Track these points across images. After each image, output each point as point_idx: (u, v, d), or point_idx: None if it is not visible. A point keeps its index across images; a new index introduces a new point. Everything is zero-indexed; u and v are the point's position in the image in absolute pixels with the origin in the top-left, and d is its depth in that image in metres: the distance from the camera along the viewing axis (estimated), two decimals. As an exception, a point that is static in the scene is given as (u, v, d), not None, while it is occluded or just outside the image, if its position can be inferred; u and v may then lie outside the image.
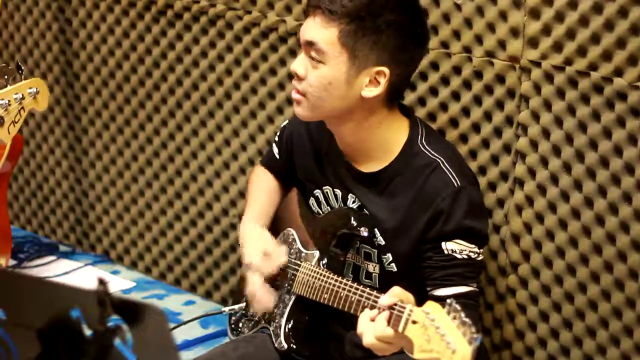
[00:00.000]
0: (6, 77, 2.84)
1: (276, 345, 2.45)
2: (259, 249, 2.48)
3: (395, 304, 2.00)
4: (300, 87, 2.37)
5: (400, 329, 1.97)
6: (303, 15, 2.45)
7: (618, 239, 2.50)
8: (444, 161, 2.36)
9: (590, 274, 2.56)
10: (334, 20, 2.30)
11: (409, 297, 2.06)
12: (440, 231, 2.33)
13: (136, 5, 3.38)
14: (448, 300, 1.85)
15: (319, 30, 2.32)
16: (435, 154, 2.37)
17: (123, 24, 3.42)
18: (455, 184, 2.34)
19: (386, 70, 2.33)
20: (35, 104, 2.92)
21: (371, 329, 2.04)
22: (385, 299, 2.04)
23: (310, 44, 2.33)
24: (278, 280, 2.50)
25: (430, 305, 1.91)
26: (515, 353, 2.73)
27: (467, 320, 1.82)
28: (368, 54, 2.31)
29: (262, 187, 2.67)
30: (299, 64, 2.37)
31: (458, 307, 1.83)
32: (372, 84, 2.34)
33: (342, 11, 2.29)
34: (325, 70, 2.33)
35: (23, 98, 2.87)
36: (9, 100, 2.83)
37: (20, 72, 2.86)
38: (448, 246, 2.33)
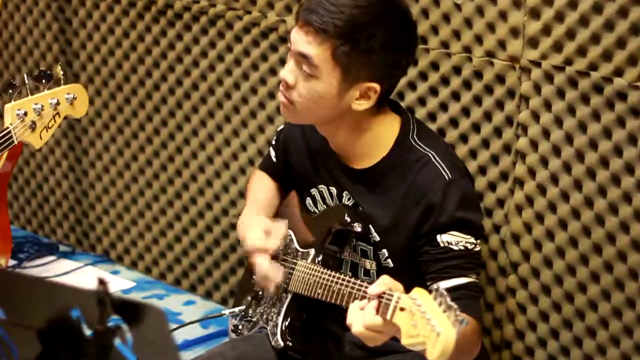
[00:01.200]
0: (43, 81, 2.82)
1: (273, 343, 2.46)
2: (260, 230, 2.48)
3: (384, 293, 2.01)
4: (288, 95, 2.36)
5: (388, 316, 1.98)
6: (294, 20, 2.40)
7: (618, 239, 2.50)
8: (434, 155, 2.37)
9: (590, 274, 2.56)
10: (327, 38, 2.29)
11: (397, 285, 2.05)
12: (433, 224, 2.33)
13: (136, 5, 3.38)
14: (434, 286, 1.85)
15: (311, 46, 2.30)
16: (427, 148, 2.38)
17: (123, 24, 3.43)
18: (447, 177, 2.34)
19: (377, 86, 2.33)
20: (72, 110, 2.89)
21: (360, 318, 2.04)
22: (374, 288, 2.04)
23: (302, 56, 2.32)
24: (284, 255, 2.50)
25: (417, 291, 1.92)
26: (515, 353, 2.73)
27: (452, 304, 1.82)
28: (361, 71, 2.31)
29: (261, 189, 2.68)
30: (289, 72, 2.35)
31: (444, 292, 1.84)
32: (363, 98, 2.34)
33: (336, 31, 2.27)
34: (316, 84, 2.32)
35: (58, 103, 2.84)
36: (42, 105, 2.81)
37: (62, 76, 2.84)
38: (443, 238, 2.33)
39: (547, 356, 2.68)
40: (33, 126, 2.80)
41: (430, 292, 1.88)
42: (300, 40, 2.32)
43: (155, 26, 3.35)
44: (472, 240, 2.36)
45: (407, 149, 2.39)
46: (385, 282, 2.06)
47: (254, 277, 2.59)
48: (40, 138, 2.83)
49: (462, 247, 2.34)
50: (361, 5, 2.28)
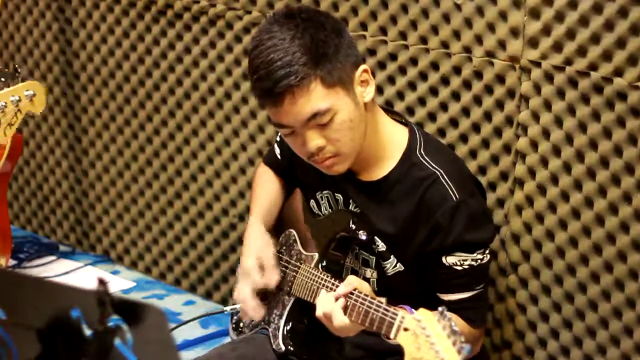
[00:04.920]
0: (3, 79, 2.86)
1: (274, 346, 2.45)
2: (257, 258, 2.48)
3: (352, 293, 2.15)
4: (332, 152, 2.31)
5: (392, 335, 2.01)
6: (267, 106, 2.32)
7: (618, 239, 2.50)
8: (442, 174, 2.34)
9: (590, 274, 2.56)
10: (310, 80, 2.24)
11: (363, 285, 2.22)
12: (439, 246, 2.33)
13: (136, 5, 3.38)
14: (440, 309, 1.86)
15: (309, 99, 2.25)
16: (435, 166, 2.35)
17: (123, 24, 3.43)
18: (454, 198, 2.32)
19: (362, 66, 2.33)
20: (31, 106, 2.93)
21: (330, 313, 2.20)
22: (341, 288, 2.19)
23: (313, 116, 2.26)
24: (287, 257, 2.51)
25: (422, 312, 1.92)
26: (515, 353, 2.74)
27: (456, 329, 1.84)
28: (344, 70, 2.29)
29: (266, 186, 2.67)
30: (312, 141, 2.28)
31: (449, 315, 1.85)
32: (365, 85, 2.33)
33: (309, 67, 2.23)
34: (340, 116, 2.27)
35: (20, 100, 2.88)
36: (5, 103, 2.85)
37: (17, 74, 2.87)
38: (449, 260, 2.33)
39: (547, 356, 2.68)
40: None
41: (434, 312, 1.89)
42: (298, 110, 2.25)
43: (155, 26, 3.35)
44: (479, 256, 2.36)
45: (414, 165, 2.37)
46: (351, 282, 2.19)
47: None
48: (5, 134, 2.88)
49: (467, 266, 2.34)
50: (295, 35, 2.26)
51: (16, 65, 2.93)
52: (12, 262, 3.42)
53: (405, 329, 1.94)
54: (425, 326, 1.88)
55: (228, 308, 2.66)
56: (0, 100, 2.84)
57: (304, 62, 2.23)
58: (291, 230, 2.57)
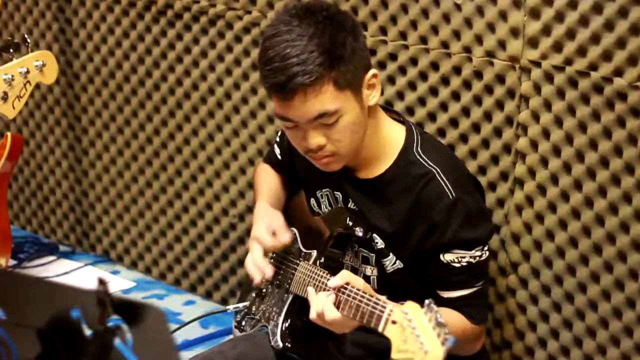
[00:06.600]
0: (12, 50, 2.80)
1: (272, 343, 2.46)
2: (267, 225, 2.48)
3: (345, 287, 2.15)
4: (327, 153, 2.31)
5: (380, 328, 2.01)
6: (279, 97, 2.28)
7: (618, 239, 2.50)
8: (439, 171, 2.34)
9: (590, 274, 2.56)
10: (324, 81, 2.23)
11: (357, 280, 2.20)
12: (436, 243, 2.33)
13: (136, 5, 3.38)
14: (427, 301, 1.86)
15: (319, 99, 2.24)
16: (431, 164, 2.35)
17: (123, 24, 3.43)
18: (450, 196, 2.32)
19: (372, 71, 2.33)
20: (42, 77, 2.87)
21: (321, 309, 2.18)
22: (334, 281, 2.18)
23: (319, 116, 2.26)
24: (287, 254, 2.50)
25: (409, 305, 1.93)
26: (515, 353, 2.74)
27: (442, 321, 1.84)
28: (356, 73, 2.29)
29: (269, 180, 2.67)
30: (313, 139, 2.28)
31: (435, 307, 1.85)
32: (372, 89, 2.33)
33: (324, 68, 2.23)
34: (345, 119, 2.27)
35: (28, 72, 2.82)
36: (12, 75, 2.79)
37: (26, 44, 2.81)
38: (446, 257, 2.34)
39: (547, 356, 2.68)
40: (5, 97, 2.78)
41: (422, 305, 1.89)
42: (306, 108, 2.25)
43: (155, 26, 3.35)
44: (477, 253, 2.36)
45: (411, 163, 2.37)
46: (343, 277, 2.17)
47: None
48: (13, 108, 2.82)
49: (465, 263, 2.34)
50: (314, 33, 2.24)
51: (24, 35, 2.87)
52: (12, 262, 3.42)
53: (393, 322, 1.94)
54: (412, 318, 1.88)
55: (231, 307, 2.66)
56: (7, 72, 2.78)
57: (320, 62, 2.23)
58: (292, 228, 2.57)
